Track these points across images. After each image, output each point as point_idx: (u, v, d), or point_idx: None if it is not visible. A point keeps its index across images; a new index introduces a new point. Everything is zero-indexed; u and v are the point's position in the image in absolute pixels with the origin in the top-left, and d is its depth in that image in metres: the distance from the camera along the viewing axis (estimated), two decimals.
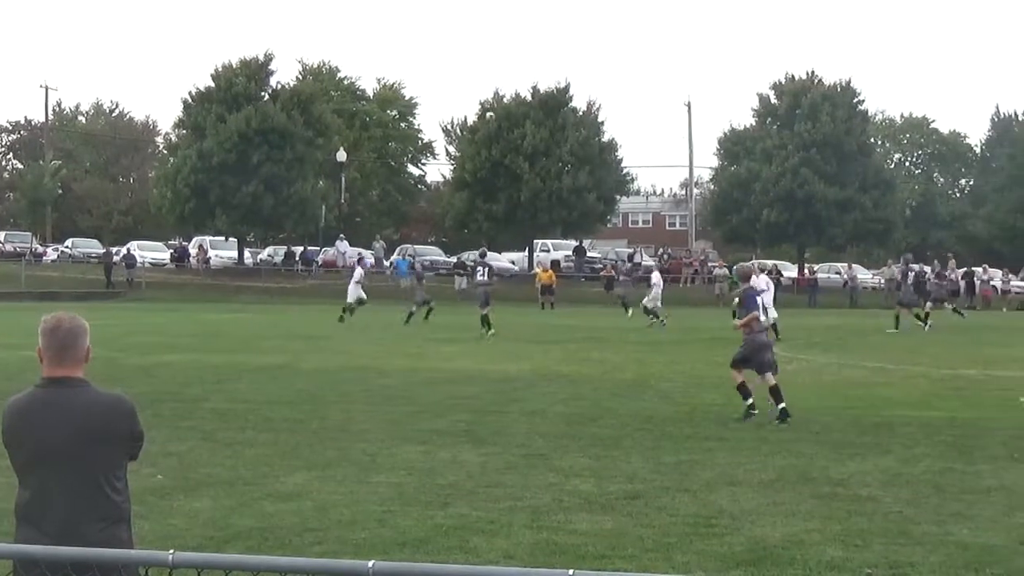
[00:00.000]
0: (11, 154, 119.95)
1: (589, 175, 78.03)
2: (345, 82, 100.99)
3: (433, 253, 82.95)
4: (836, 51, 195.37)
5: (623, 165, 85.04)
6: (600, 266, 77.30)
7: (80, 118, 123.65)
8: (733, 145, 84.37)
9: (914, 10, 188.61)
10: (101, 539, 5.79)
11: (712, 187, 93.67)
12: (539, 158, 77.86)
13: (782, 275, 74.14)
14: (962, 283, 69.80)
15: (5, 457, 6.19)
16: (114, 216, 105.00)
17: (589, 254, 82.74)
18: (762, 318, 19.79)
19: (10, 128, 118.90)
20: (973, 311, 64.65)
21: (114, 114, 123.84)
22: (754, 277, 40.30)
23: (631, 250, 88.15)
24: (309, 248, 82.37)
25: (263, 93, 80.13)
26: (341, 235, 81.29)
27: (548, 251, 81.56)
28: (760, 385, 19.12)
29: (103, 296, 66.27)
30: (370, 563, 4.34)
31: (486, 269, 43.06)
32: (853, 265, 77.52)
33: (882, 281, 70.34)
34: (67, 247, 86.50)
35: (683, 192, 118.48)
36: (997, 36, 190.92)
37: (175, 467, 14.40)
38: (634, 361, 29.69)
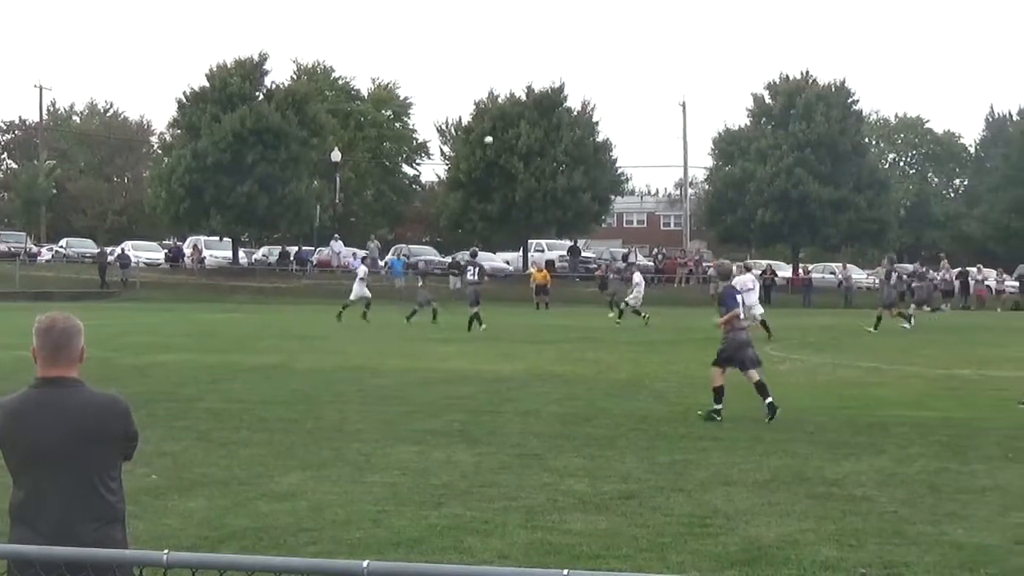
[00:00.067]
0: (5, 154, 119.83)
1: (584, 175, 78.04)
2: (340, 82, 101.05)
3: (428, 253, 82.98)
4: (831, 51, 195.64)
5: (618, 165, 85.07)
6: (595, 266, 77.33)
7: (75, 118, 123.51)
8: (728, 145, 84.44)
9: (908, 10, 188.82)
10: (95, 539, 5.79)
11: (707, 187, 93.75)
12: (534, 158, 77.88)
13: (776, 275, 74.28)
14: (956, 283, 69.89)
15: None
16: (108, 216, 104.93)
17: (584, 254, 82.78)
18: (742, 315, 19.78)
19: (4, 128, 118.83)
20: (967, 311, 64.89)
21: (108, 114, 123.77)
22: (738, 275, 40.53)
23: (626, 250, 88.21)
24: (304, 248, 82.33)
25: (258, 93, 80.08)
26: (336, 235, 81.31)
27: (543, 251, 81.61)
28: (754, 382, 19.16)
29: (97, 296, 66.21)
30: (364, 563, 4.34)
31: (477, 269, 43.19)
32: (848, 265, 77.56)
33: (876, 281, 70.42)
34: (61, 247, 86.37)
35: (678, 192, 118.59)
36: (991, 36, 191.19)
37: (169, 467, 14.39)
38: (628, 361, 29.69)
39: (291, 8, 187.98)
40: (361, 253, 79.88)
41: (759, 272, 71.69)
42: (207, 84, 79.28)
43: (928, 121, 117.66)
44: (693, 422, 18.47)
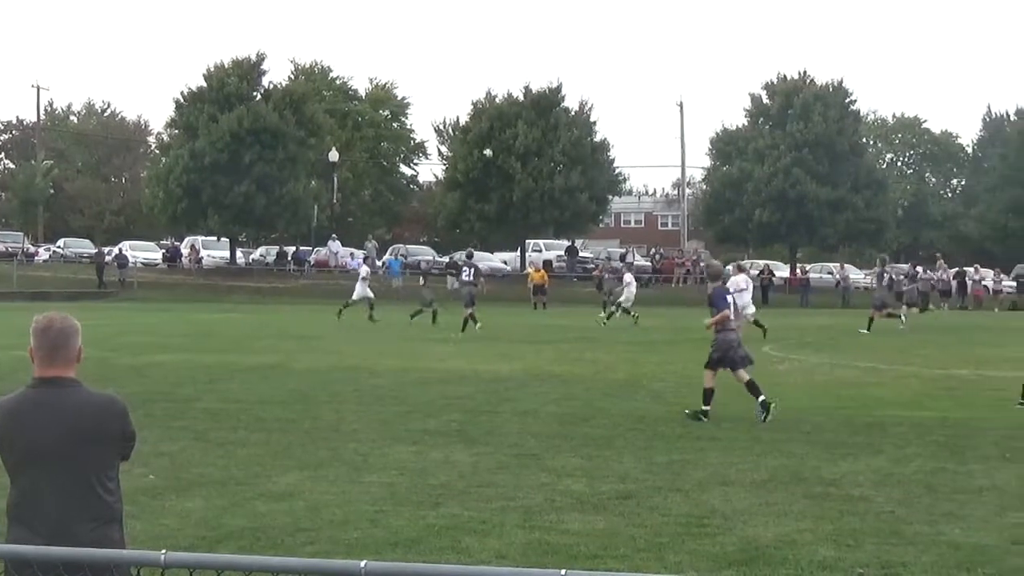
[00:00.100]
0: (3, 154, 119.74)
1: (581, 175, 78.09)
2: (337, 82, 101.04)
3: (425, 253, 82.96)
4: (828, 51, 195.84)
5: (615, 165, 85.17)
6: (592, 266, 77.35)
7: (72, 118, 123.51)
8: (725, 145, 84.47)
9: (906, 10, 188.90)
10: (93, 539, 5.78)
11: (704, 187, 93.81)
12: (531, 158, 77.93)
13: (774, 275, 74.33)
14: (954, 283, 69.95)
15: None
16: (106, 216, 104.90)
17: (581, 254, 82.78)
18: (732, 316, 19.74)
19: (2, 128, 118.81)
20: (965, 311, 64.91)
21: (106, 114, 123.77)
22: (734, 275, 40.68)
23: (623, 250, 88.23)
24: (301, 248, 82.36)
25: (255, 93, 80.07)
26: (333, 235, 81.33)
27: (540, 251, 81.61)
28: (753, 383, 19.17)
29: (95, 296, 66.19)
30: (362, 563, 4.34)
31: (472, 270, 43.23)
32: (845, 265, 77.61)
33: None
34: (59, 247, 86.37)
35: (675, 192, 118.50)
36: (989, 36, 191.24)
37: (167, 467, 14.38)
38: (626, 361, 29.69)
39: (289, 8, 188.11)
40: (359, 253, 79.92)
41: (756, 272, 72.07)
42: (205, 84, 79.27)
43: (925, 121, 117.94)
44: (690, 422, 18.47)
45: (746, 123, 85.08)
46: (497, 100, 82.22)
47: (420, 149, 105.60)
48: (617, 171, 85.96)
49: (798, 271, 79.85)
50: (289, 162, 77.48)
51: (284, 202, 77.18)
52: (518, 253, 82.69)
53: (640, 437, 17.07)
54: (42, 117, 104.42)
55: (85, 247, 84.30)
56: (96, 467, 5.98)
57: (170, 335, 37.99)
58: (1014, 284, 73.86)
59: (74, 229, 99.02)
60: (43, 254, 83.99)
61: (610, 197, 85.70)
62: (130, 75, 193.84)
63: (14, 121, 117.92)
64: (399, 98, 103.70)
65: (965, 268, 73.57)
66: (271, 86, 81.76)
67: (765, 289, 70.57)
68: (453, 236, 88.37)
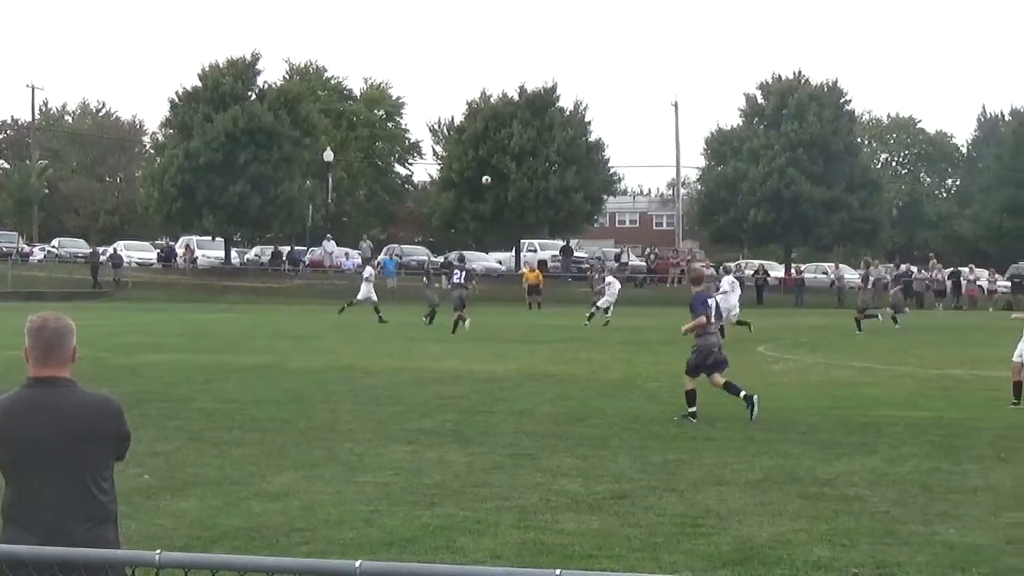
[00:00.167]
0: None
1: (576, 175, 78.06)
2: (332, 82, 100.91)
3: (420, 253, 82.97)
4: (823, 51, 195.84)
5: (610, 165, 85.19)
6: (587, 266, 77.37)
7: (67, 118, 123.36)
8: (720, 145, 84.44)
9: (901, 10, 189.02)
10: (88, 539, 5.78)
11: (699, 187, 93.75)
12: (526, 158, 77.88)
13: (769, 275, 74.35)
14: (948, 283, 69.97)
15: None
16: (101, 216, 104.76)
17: (576, 254, 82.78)
18: (712, 320, 19.69)
19: None
20: (960, 311, 64.95)
21: (101, 114, 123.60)
22: (725, 277, 40.84)
23: (618, 250, 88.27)
24: (296, 248, 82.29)
25: (250, 93, 79.97)
26: (328, 235, 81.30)
27: (535, 251, 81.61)
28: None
29: (89, 296, 66.10)
30: (357, 563, 4.34)
31: (463, 273, 43.26)
32: (840, 265, 77.59)
33: (873, 281, 70.44)
34: (53, 247, 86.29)
35: (670, 192, 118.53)
36: (983, 36, 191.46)
37: (162, 467, 14.38)
38: (621, 361, 29.70)
39: (283, 8, 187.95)
40: (353, 253, 79.89)
41: (751, 272, 72.14)
42: (199, 84, 79.17)
43: (920, 121, 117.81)
44: (684, 423, 18.48)
45: (741, 123, 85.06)
46: (492, 100, 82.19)
47: (415, 149, 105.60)
48: (612, 171, 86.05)
49: (793, 271, 79.87)
50: (284, 162, 77.41)
51: (279, 202, 77.12)
52: (513, 253, 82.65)
53: (635, 437, 17.08)
54: (37, 117, 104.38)
55: (80, 247, 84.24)
56: (91, 467, 5.97)
57: (165, 335, 37.97)
58: (1009, 284, 73.81)
59: (69, 229, 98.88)
60: (38, 254, 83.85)
61: (605, 197, 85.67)
62: (125, 75, 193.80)
63: (9, 121, 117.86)
64: (394, 98, 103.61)
65: (960, 268, 73.58)
66: (266, 86, 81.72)
67: (760, 289, 70.59)
68: (448, 236, 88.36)
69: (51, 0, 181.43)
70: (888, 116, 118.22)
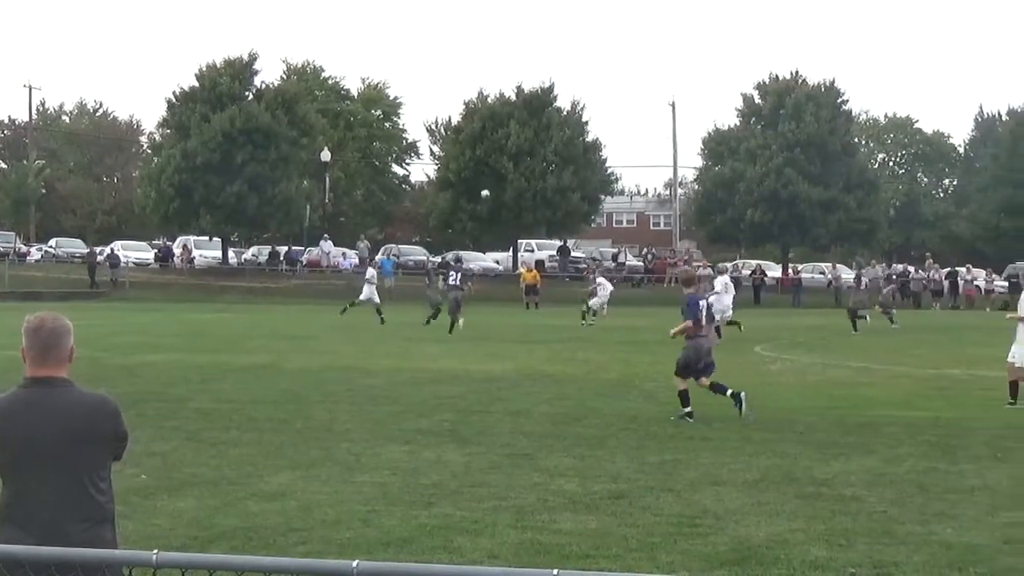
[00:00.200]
0: None
1: (573, 175, 78.08)
2: (329, 82, 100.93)
3: (417, 253, 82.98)
4: (820, 51, 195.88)
5: (607, 165, 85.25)
6: (584, 266, 77.38)
7: (64, 118, 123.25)
8: (717, 145, 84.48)
9: (898, 10, 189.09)
10: (85, 539, 5.77)
11: (696, 187, 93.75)
12: (523, 158, 77.89)
13: (766, 275, 74.38)
14: (946, 283, 69.99)
15: None
16: (98, 216, 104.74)
17: (573, 254, 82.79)
18: (704, 323, 19.63)
19: None
20: (957, 311, 64.99)
21: (98, 114, 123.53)
22: (719, 278, 41.00)
23: (615, 250, 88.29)
24: (293, 248, 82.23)
25: (247, 93, 79.95)
26: (325, 235, 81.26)
27: (532, 251, 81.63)
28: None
29: (87, 296, 66.08)
30: (354, 563, 4.34)
31: (458, 274, 43.29)
32: (837, 265, 77.64)
33: (866, 281, 70.52)
34: (51, 247, 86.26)
35: (667, 192, 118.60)
36: (981, 37, 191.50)
37: (159, 467, 14.37)
38: (619, 361, 29.71)
39: (281, 8, 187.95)
40: (351, 253, 79.88)
41: (748, 272, 72.19)
42: (197, 84, 79.13)
43: (917, 121, 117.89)
44: (681, 423, 18.48)
45: (738, 123, 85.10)
46: (489, 100, 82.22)
47: (412, 149, 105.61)
48: (609, 171, 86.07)
49: (790, 271, 79.88)
50: (281, 162, 77.39)
51: (276, 202, 77.10)
52: (510, 253, 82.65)
53: (632, 437, 17.08)
54: (34, 117, 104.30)
55: (77, 247, 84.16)
56: (88, 467, 5.97)
57: (162, 335, 37.96)
58: (1006, 284, 73.88)
59: (66, 229, 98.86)
60: (35, 254, 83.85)
61: (602, 197, 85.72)
62: (122, 75, 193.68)
63: (6, 121, 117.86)
64: (391, 98, 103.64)
65: (957, 268, 73.63)
66: (263, 86, 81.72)
67: (757, 289, 70.65)
68: (445, 236, 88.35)
69: (48, 0, 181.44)
70: (885, 116, 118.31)
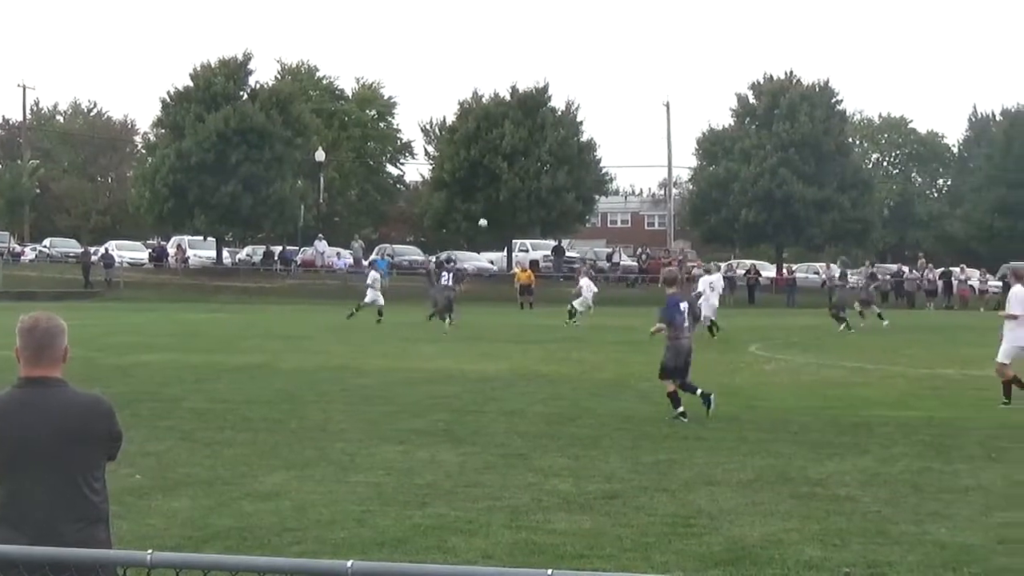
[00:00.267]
0: None
1: (568, 175, 78.09)
2: (324, 82, 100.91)
3: (412, 253, 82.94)
4: (815, 51, 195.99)
5: (602, 165, 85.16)
6: (577, 266, 77.32)
7: (58, 117, 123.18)
8: (712, 145, 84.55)
9: (892, 11, 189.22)
10: (79, 539, 5.77)
11: (691, 187, 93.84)
12: (518, 158, 77.88)
13: (760, 275, 74.39)
14: (940, 283, 70.05)
15: None
16: (92, 216, 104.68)
17: (568, 254, 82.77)
18: (685, 324, 19.52)
19: None
20: (951, 311, 65.04)
21: (92, 113, 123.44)
22: (702, 278, 41.11)
23: (610, 250, 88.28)
24: (288, 248, 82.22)
25: (242, 93, 79.91)
26: (320, 235, 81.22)
27: (527, 251, 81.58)
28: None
29: (81, 296, 66.02)
30: (349, 563, 4.34)
31: (451, 275, 43.31)
32: (831, 265, 77.54)
33: (860, 281, 70.56)
34: (45, 247, 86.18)
35: (662, 192, 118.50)
36: (974, 37, 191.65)
37: (153, 467, 14.36)
38: (613, 361, 29.71)
39: (275, 8, 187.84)
40: (345, 253, 79.86)
41: (743, 272, 72.19)
42: (191, 84, 79.09)
43: (911, 121, 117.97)
44: (675, 423, 18.48)
45: (732, 123, 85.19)
46: (484, 100, 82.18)
47: (407, 149, 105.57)
48: (604, 171, 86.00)
49: (784, 271, 79.90)
50: (275, 162, 77.35)
51: (271, 202, 77.07)
52: (505, 253, 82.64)
53: (627, 437, 17.08)
54: (28, 116, 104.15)
55: (71, 247, 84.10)
56: (82, 467, 5.97)
57: (156, 335, 37.93)
58: (1000, 284, 73.90)
59: (60, 229, 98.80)
60: (29, 254, 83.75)
61: (597, 197, 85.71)
62: (116, 74, 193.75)
63: (0, 120, 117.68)
64: (386, 98, 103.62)
65: (951, 268, 73.67)
66: (257, 86, 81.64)
67: (751, 289, 70.64)
68: (440, 236, 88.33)
69: (42, 0, 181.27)
70: (879, 116, 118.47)
